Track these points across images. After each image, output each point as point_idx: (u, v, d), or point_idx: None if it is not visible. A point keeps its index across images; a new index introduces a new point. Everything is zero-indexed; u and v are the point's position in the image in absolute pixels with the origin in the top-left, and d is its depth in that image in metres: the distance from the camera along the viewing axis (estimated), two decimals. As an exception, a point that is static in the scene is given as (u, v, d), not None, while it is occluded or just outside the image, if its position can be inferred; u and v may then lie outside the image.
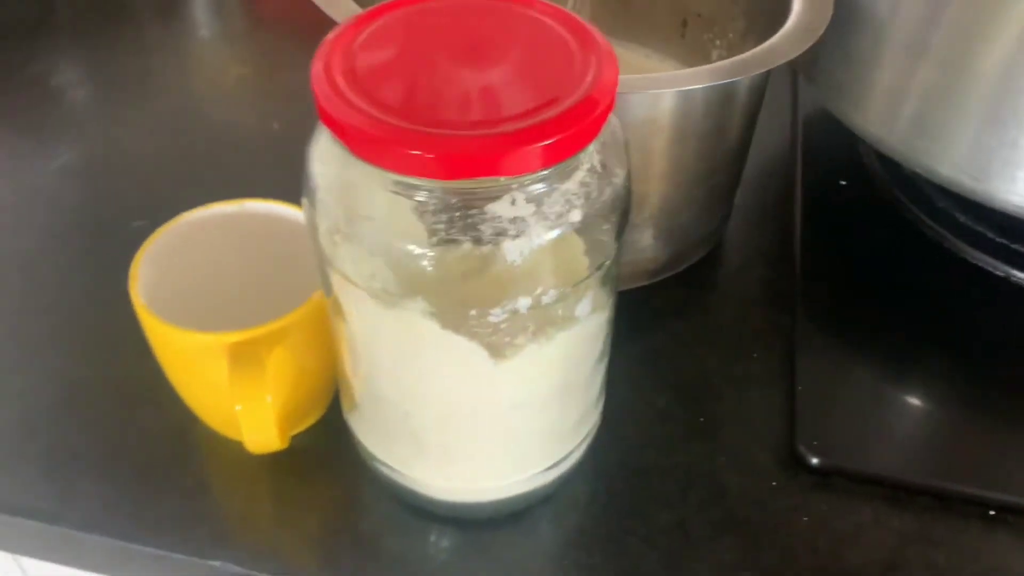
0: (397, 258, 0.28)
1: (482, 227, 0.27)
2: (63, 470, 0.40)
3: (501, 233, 0.27)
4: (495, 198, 0.27)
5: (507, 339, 0.29)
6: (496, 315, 0.28)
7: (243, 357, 0.34)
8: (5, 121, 0.59)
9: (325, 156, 0.30)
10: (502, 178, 0.26)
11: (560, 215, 0.27)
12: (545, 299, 0.28)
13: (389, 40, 0.29)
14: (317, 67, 0.28)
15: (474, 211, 0.27)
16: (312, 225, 0.31)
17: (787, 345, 0.46)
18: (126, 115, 0.61)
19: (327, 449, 0.41)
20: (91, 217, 0.52)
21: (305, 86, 0.69)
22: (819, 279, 0.48)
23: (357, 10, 0.40)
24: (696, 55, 0.54)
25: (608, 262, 0.30)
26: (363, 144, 0.26)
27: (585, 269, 0.29)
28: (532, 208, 0.27)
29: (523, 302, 0.28)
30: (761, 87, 0.44)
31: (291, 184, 0.54)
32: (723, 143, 0.43)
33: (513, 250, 0.27)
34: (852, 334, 0.46)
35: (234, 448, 0.41)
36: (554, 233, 0.27)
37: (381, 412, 0.34)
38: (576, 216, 0.28)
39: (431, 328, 0.29)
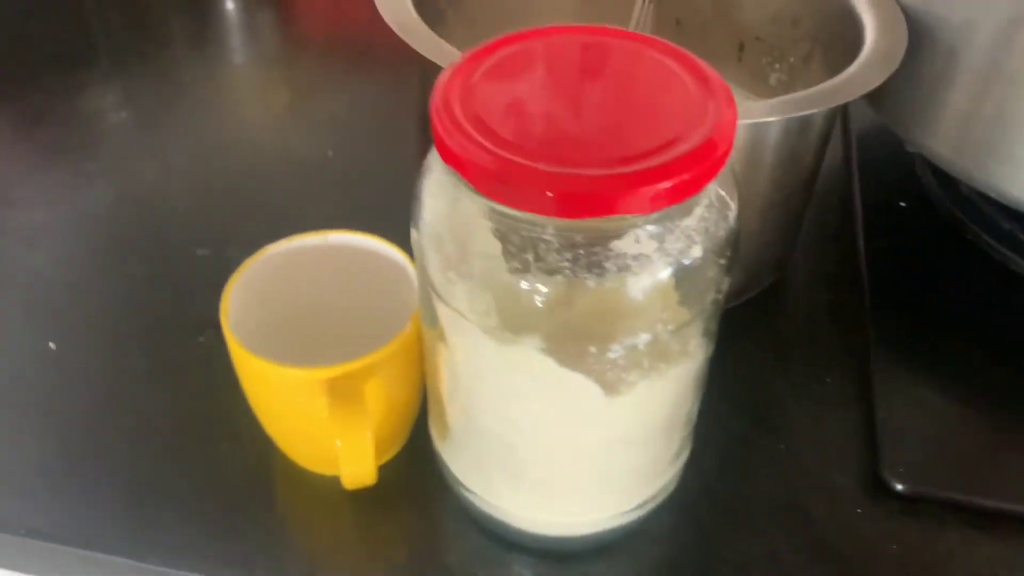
0: (514, 295, 0.28)
1: (606, 264, 0.27)
2: (145, 506, 0.40)
3: (624, 270, 0.27)
4: (618, 236, 0.27)
5: (622, 375, 0.29)
6: (615, 351, 0.28)
7: (342, 391, 0.34)
8: (58, 151, 0.59)
9: (437, 190, 0.30)
10: (629, 216, 0.26)
11: (681, 251, 0.27)
12: (663, 334, 0.28)
13: (507, 75, 0.29)
14: (436, 101, 0.28)
15: (597, 248, 0.27)
16: (420, 257, 0.31)
17: (859, 369, 0.46)
18: (177, 143, 0.61)
19: (410, 480, 0.40)
20: (152, 245, 0.52)
21: (355, 112, 0.70)
22: (888, 302, 0.48)
23: (436, 40, 0.41)
24: (754, 79, 0.54)
25: (720, 296, 0.30)
26: (489, 181, 0.26)
27: (700, 303, 0.29)
28: (655, 245, 0.27)
29: (642, 338, 0.28)
30: (834, 115, 0.44)
31: (351, 211, 0.54)
32: (798, 170, 0.43)
33: (636, 287, 0.27)
34: (926, 357, 0.46)
35: (315, 480, 0.41)
36: (675, 269, 0.27)
37: (482, 444, 0.34)
38: (697, 252, 0.28)
39: (547, 365, 0.29)
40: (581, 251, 0.27)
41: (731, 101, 0.27)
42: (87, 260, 0.51)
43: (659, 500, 0.36)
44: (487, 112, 0.27)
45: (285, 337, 0.40)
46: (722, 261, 0.29)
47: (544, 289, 0.28)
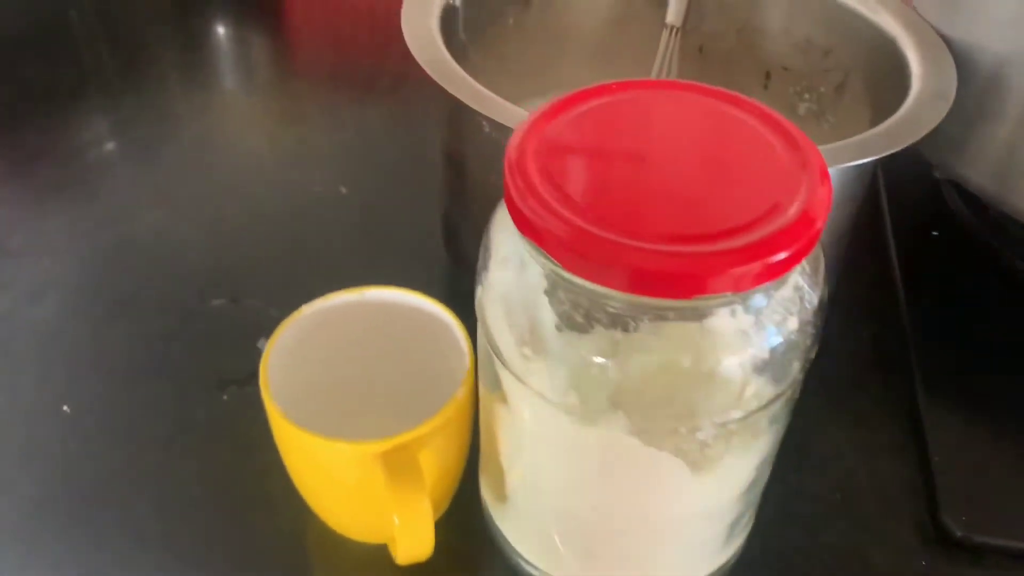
0: (597, 374, 0.26)
1: (701, 342, 0.25)
2: (182, 581, 0.38)
3: (721, 348, 0.25)
4: (712, 313, 0.25)
5: (709, 452, 0.28)
6: (706, 431, 0.27)
7: (397, 464, 0.32)
8: (57, 192, 0.57)
9: (509, 259, 0.28)
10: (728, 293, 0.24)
11: (778, 323, 0.26)
12: (756, 410, 0.27)
13: (585, 134, 0.27)
14: (510, 160, 0.26)
15: (691, 324, 0.25)
16: (484, 319, 0.29)
17: (909, 410, 0.44)
18: (180, 182, 0.58)
19: (457, 544, 0.38)
20: (164, 296, 0.50)
21: (365, 143, 0.67)
22: (931, 338, 0.47)
23: (475, 85, 0.39)
24: (781, 108, 0.52)
25: (808, 364, 0.28)
26: (577, 260, 0.24)
27: (791, 374, 0.28)
28: (752, 319, 0.25)
29: (735, 415, 0.27)
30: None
31: (373, 253, 0.52)
32: (850, 211, 0.42)
33: (732, 364, 0.26)
34: (976, 395, 0.45)
35: (355, 548, 0.39)
36: (772, 344, 0.26)
37: (547, 516, 0.32)
38: (792, 324, 0.26)
39: (632, 445, 0.27)
40: (673, 328, 0.25)
41: (824, 168, 0.26)
42: (97, 313, 0.49)
43: (726, 569, 0.35)
44: (563, 175, 0.26)
45: (324, 401, 0.38)
46: (812, 330, 0.27)
47: (631, 368, 0.26)
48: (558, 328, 0.27)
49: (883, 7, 0.46)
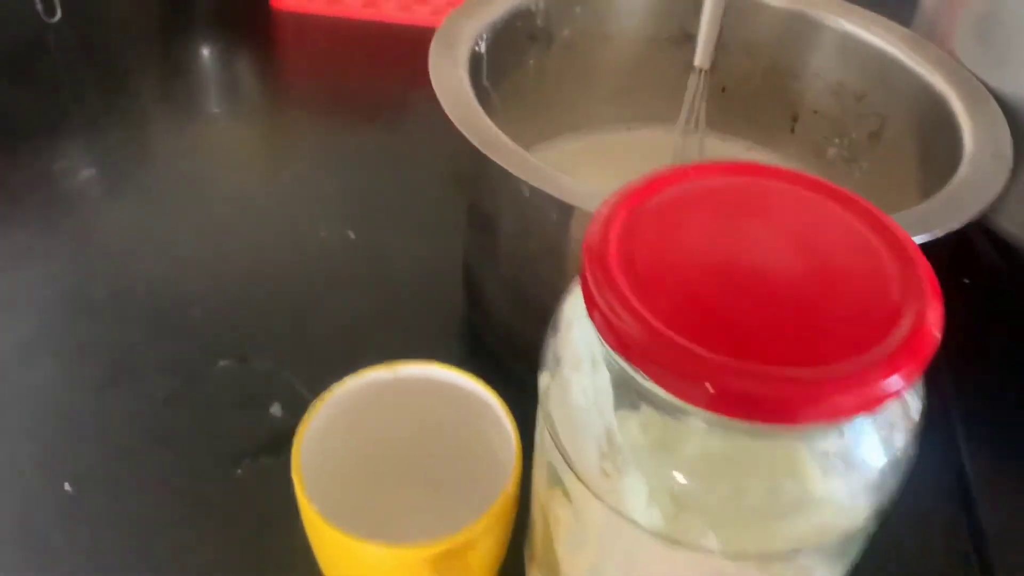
0: (692, 494, 0.24)
1: (807, 465, 0.23)
2: None
3: (828, 471, 0.23)
4: (814, 435, 0.23)
5: (801, 571, 0.26)
6: (807, 555, 0.25)
7: (449, 569, 0.30)
8: (44, 237, 0.53)
9: (582, 359, 0.25)
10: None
11: (886, 439, 0.24)
12: (854, 530, 0.25)
13: (672, 225, 0.25)
14: (590, 251, 0.24)
15: (798, 444, 0.23)
16: (551, 423, 0.27)
17: (956, 473, 0.43)
18: (176, 227, 0.55)
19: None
20: (167, 356, 0.46)
21: (371, 182, 0.64)
22: (970, 393, 0.46)
23: (514, 148, 0.36)
24: (806, 152, 0.51)
25: (908, 476, 0.26)
26: (658, 370, 0.22)
27: (891, 488, 0.26)
28: (856, 439, 0.23)
29: (835, 537, 0.25)
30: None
31: (389, 310, 0.49)
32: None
33: (840, 487, 0.23)
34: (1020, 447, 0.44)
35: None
36: (879, 463, 0.24)
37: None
38: (899, 440, 0.24)
39: (722, 567, 0.25)
40: (771, 448, 0.23)
41: (934, 278, 0.24)
42: (96, 377, 0.45)
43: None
44: (646, 272, 0.23)
45: (357, 483, 0.36)
46: (912, 441, 0.25)
47: (722, 488, 0.24)
48: (640, 444, 0.24)
49: (923, 56, 0.45)
